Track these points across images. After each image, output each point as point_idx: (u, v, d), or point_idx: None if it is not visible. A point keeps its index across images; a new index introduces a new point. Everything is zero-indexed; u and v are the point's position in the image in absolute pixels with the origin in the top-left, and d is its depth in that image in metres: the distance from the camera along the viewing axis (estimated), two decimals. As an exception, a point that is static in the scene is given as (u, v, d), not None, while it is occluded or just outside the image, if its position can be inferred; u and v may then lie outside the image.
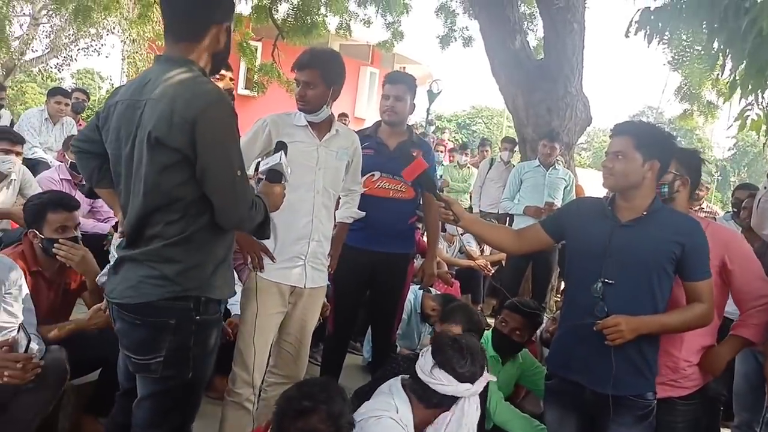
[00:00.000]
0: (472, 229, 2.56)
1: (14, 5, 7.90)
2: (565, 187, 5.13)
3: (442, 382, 2.13)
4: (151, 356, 1.70)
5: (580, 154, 29.25)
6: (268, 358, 2.53)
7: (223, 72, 2.23)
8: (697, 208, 5.55)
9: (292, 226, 2.40)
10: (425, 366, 2.16)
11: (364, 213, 2.80)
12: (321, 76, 2.40)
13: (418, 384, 2.17)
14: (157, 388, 1.76)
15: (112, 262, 1.92)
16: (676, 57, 4.48)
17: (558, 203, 4.93)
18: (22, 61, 14.91)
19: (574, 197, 4.82)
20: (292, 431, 1.78)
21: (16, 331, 2.17)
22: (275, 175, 1.99)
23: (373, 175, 2.92)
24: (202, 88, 1.62)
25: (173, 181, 1.61)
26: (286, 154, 2.06)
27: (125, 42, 13.48)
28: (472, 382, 2.17)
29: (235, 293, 1.94)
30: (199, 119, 1.56)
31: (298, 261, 2.44)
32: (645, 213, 2.14)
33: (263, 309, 2.38)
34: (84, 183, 1.99)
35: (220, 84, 2.23)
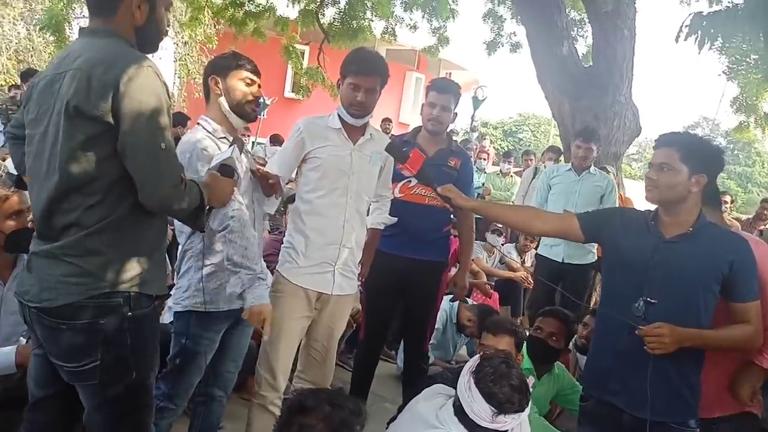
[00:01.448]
0: (484, 214, 2.50)
1: (74, 7, 8.18)
2: (601, 196, 4.33)
3: (509, 423, 1.95)
4: (85, 362, 1.53)
5: (630, 165, 28.48)
6: (295, 363, 2.52)
7: (251, 77, 2.17)
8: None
9: (323, 231, 2.38)
10: (484, 414, 1.93)
11: (395, 219, 2.77)
12: (380, 83, 2.41)
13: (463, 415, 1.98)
14: (102, 396, 1.59)
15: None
16: (731, 66, 4.30)
17: None
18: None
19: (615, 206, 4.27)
20: (294, 426, 1.72)
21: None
22: (226, 170, 1.87)
23: (410, 181, 2.88)
24: (125, 52, 1.50)
25: (93, 156, 1.47)
26: (241, 151, 2.02)
27: (177, 44, 13.84)
28: (528, 404, 2.01)
29: (168, 290, 1.83)
30: (121, 83, 1.44)
31: (327, 267, 2.42)
32: (690, 229, 2.04)
33: (289, 313, 2.38)
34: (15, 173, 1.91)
35: (249, 89, 2.17)
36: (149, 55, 1.62)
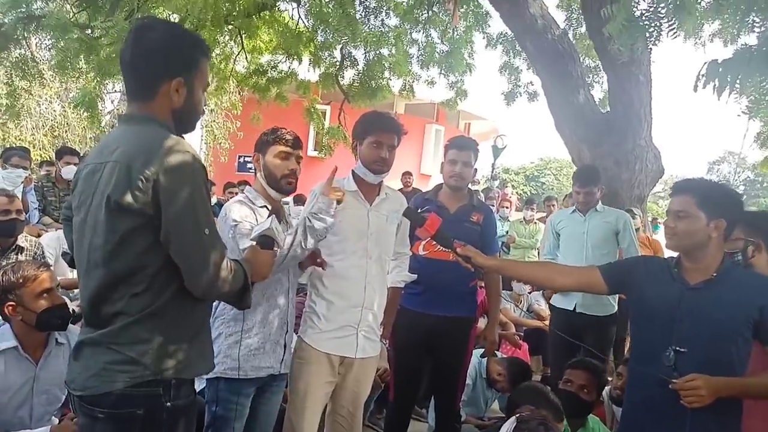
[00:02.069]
0: (506, 273, 2.50)
1: (106, 83, 8.60)
2: (616, 233, 3.99)
3: None
4: None
5: (657, 203, 28.09)
6: (320, 430, 2.51)
7: (287, 150, 2.29)
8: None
9: (345, 294, 2.41)
10: None
11: (415, 276, 2.78)
12: (398, 141, 2.52)
13: None
14: None
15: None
16: (750, 105, 4.30)
17: (609, 254, 3.88)
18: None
19: (634, 243, 3.95)
20: None
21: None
22: (267, 241, 1.86)
23: (433, 239, 2.90)
24: (163, 143, 1.48)
25: (136, 248, 1.47)
26: (280, 221, 2.06)
27: (203, 112, 14.38)
28: None
29: (214, 367, 1.77)
30: (161, 176, 1.44)
31: (350, 330, 2.44)
32: (715, 275, 2.01)
33: (314, 380, 2.38)
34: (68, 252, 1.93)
35: (284, 163, 2.27)
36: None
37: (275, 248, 1.89)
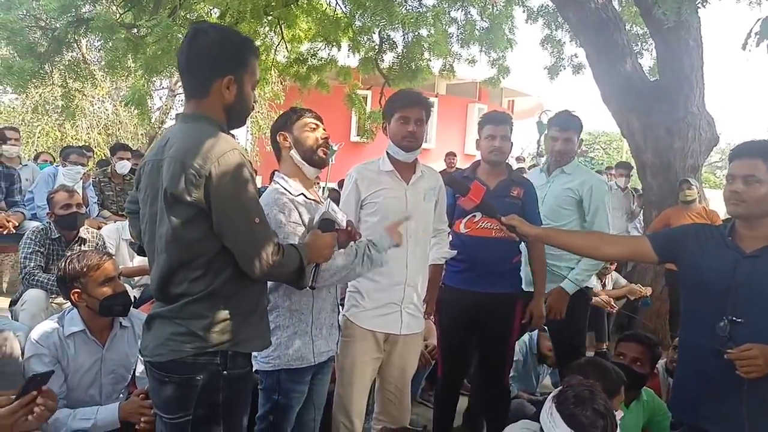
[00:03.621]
0: (551, 242, 2.47)
1: (154, 80, 8.86)
2: (578, 201, 3.23)
3: None
4: (179, 415, 1.67)
5: (714, 174, 26.95)
6: (370, 405, 2.56)
7: (315, 122, 2.26)
8: None
9: (387, 273, 2.43)
10: (554, 429, 1.89)
11: (455, 252, 2.79)
12: (426, 115, 2.52)
13: None
14: None
15: None
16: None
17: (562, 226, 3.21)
18: (162, 129, 16.70)
19: (601, 217, 3.23)
20: None
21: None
22: (328, 224, 1.95)
23: (475, 216, 2.89)
24: (213, 141, 1.61)
25: (193, 237, 1.61)
26: (337, 202, 2.07)
27: (253, 107, 14.68)
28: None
29: (270, 345, 1.90)
30: (212, 173, 1.57)
31: (394, 307, 2.47)
32: None
33: (360, 356, 2.43)
34: (137, 242, 2.07)
35: (315, 134, 2.24)
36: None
37: (336, 228, 1.97)
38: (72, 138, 13.81)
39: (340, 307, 2.47)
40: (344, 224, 2.13)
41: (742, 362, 1.85)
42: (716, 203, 5.78)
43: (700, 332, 2.03)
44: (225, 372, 1.67)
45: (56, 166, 5.82)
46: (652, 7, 4.73)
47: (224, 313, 1.66)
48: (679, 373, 2.20)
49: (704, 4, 3.44)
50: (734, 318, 1.93)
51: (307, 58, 8.93)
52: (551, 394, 2.00)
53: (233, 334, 1.68)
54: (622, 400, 2.40)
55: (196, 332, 1.63)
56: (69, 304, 2.50)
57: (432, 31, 8.23)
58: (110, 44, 6.74)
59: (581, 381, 2.04)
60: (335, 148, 10.97)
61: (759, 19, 3.02)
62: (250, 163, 1.70)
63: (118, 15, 7.32)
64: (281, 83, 11.75)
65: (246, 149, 14.40)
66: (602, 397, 1.94)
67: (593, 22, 5.78)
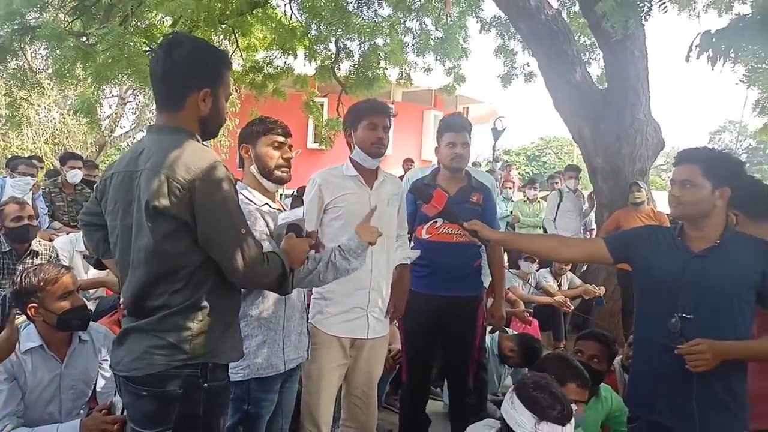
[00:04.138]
0: (511, 246, 2.55)
1: (104, 89, 8.64)
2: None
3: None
4: (159, 429, 1.64)
5: (660, 176, 28.01)
6: (336, 411, 2.57)
7: (280, 140, 2.24)
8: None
9: (351, 278, 2.42)
10: (527, 424, 1.95)
11: (419, 252, 2.83)
12: (390, 123, 2.58)
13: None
14: None
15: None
16: (747, 74, 4.31)
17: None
18: (112, 137, 16.29)
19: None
20: None
21: (112, 395, 2.34)
22: (297, 229, 1.95)
23: (436, 222, 2.95)
24: (195, 154, 1.61)
25: (176, 249, 1.60)
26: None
27: (225, 119, 14.52)
28: (571, 419, 1.99)
29: (243, 356, 1.88)
30: (195, 186, 1.56)
31: (360, 312, 2.50)
32: (718, 242, 2.06)
33: (326, 363, 2.45)
34: (92, 255, 2.03)
35: (277, 153, 2.24)
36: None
37: (304, 236, 1.96)
38: (17, 147, 13.30)
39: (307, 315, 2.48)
40: (302, 215, 2.13)
41: (691, 357, 1.95)
42: (663, 204, 6.02)
43: (653, 329, 2.12)
44: (205, 384, 1.66)
45: (3, 177, 5.62)
46: (600, 20, 4.91)
47: (205, 325, 1.65)
48: (634, 369, 2.29)
49: (647, 17, 3.59)
50: (684, 315, 2.03)
51: (263, 67, 8.89)
52: (511, 387, 2.09)
53: (213, 346, 1.67)
54: (585, 396, 2.49)
55: (177, 344, 1.62)
56: (24, 318, 2.42)
57: (388, 41, 8.34)
58: (58, 52, 6.53)
59: (532, 376, 2.15)
60: (292, 155, 10.90)
61: (698, 34, 3.18)
62: (231, 174, 1.69)
63: (66, 23, 7.12)
64: (236, 91, 11.63)
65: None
66: (558, 387, 2.05)
67: (544, 33, 5.97)
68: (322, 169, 2.65)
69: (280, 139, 2.24)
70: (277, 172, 2.23)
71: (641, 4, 3.56)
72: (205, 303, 1.65)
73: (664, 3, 3.53)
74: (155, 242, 1.58)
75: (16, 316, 2.21)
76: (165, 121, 1.71)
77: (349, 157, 2.62)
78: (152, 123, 1.83)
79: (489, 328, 3.38)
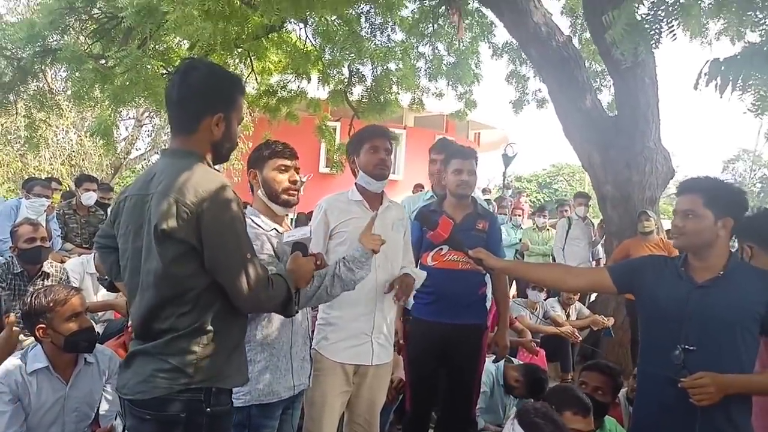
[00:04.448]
0: (516, 274, 2.54)
1: (121, 111, 8.81)
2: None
3: None
4: None
5: (672, 205, 27.78)
6: None
7: (286, 163, 2.26)
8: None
9: (355, 303, 2.46)
10: None
11: (425, 273, 2.77)
12: (391, 145, 2.61)
13: None
14: None
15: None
16: (755, 102, 4.31)
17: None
18: (127, 159, 16.50)
19: None
20: None
21: (114, 418, 2.34)
22: (302, 248, 1.95)
23: (441, 249, 2.95)
24: (204, 178, 1.63)
25: (183, 272, 1.61)
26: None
27: (237, 143, 14.71)
28: None
29: (248, 380, 1.86)
30: (203, 211, 1.58)
31: (364, 338, 2.50)
32: (722, 272, 2.05)
33: (329, 390, 2.43)
34: (106, 278, 2.04)
35: (283, 176, 2.25)
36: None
37: (309, 254, 1.98)
38: (35, 169, 13.54)
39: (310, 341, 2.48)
40: (309, 235, 2.12)
41: (694, 390, 1.93)
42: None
43: (656, 361, 2.11)
44: (208, 409, 1.65)
45: (19, 198, 5.71)
46: (610, 48, 4.94)
47: (210, 349, 1.65)
48: (639, 400, 2.27)
49: (657, 45, 3.62)
50: (687, 346, 2.01)
51: (277, 90, 9.01)
52: (512, 415, 2.10)
53: (218, 370, 1.67)
54: (587, 425, 2.46)
55: (181, 368, 1.61)
56: (32, 340, 2.45)
57: (400, 65, 8.44)
58: (78, 74, 6.70)
59: (532, 405, 2.17)
60: (304, 179, 10.96)
61: (707, 61, 3.19)
62: (239, 199, 1.71)
63: (86, 46, 7.30)
64: (250, 114, 11.79)
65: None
66: (560, 417, 2.08)
67: (555, 60, 6.01)
68: (328, 195, 2.68)
69: (287, 162, 2.26)
70: (284, 196, 2.25)
71: (651, 31, 3.59)
72: (210, 327, 1.65)
73: (674, 30, 3.55)
74: (164, 266, 1.60)
75: (18, 327, 2.23)
76: (178, 145, 1.73)
77: (355, 183, 2.65)
78: (167, 146, 1.86)
79: (493, 357, 3.35)
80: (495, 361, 3.50)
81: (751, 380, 1.98)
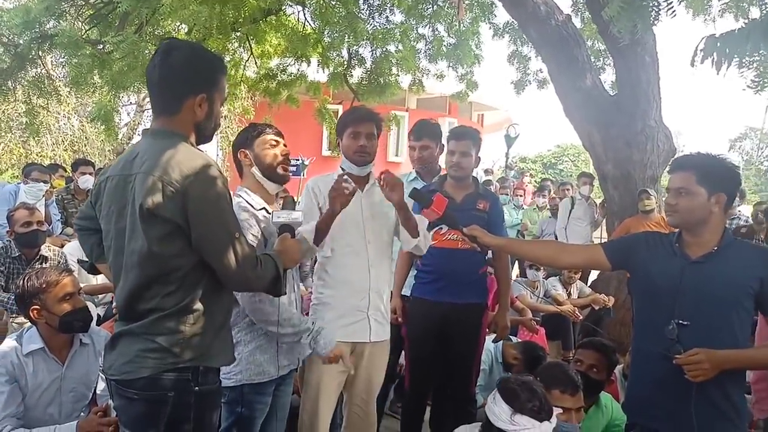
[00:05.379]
0: (512, 252, 2.54)
1: (121, 96, 8.78)
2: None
3: (527, 427, 2.03)
4: None
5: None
6: (338, 419, 2.57)
7: (275, 138, 2.31)
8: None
9: (349, 280, 2.47)
10: (503, 415, 2.06)
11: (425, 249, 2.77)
12: (376, 129, 2.56)
13: None
14: None
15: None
16: (755, 79, 4.25)
17: None
18: (129, 145, 16.51)
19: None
20: None
21: (110, 397, 2.36)
22: (288, 230, 1.97)
23: (441, 228, 2.94)
24: (188, 157, 1.63)
25: (169, 252, 1.61)
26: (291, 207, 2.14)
27: (220, 124, 14.65)
28: (550, 418, 2.07)
29: (234, 360, 1.89)
30: (189, 189, 1.58)
31: (360, 315, 2.50)
32: (716, 248, 2.04)
33: (326, 371, 2.43)
34: (86, 260, 2.06)
35: (275, 151, 2.29)
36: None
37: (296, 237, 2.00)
38: (37, 155, 13.55)
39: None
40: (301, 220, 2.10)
41: (690, 366, 1.93)
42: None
43: (651, 337, 2.11)
44: (197, 388, 1.66)
45: (18, 183, 5.73)
46: (608, 26, 4.89)
47: (197, 328, 1.66)
48: (633, 375, 2.28)
49: (654, 22, 3.56)
50: (681, 321, 2.02)
51: (277, 74, 8.95)
52: (496, 402, 2.13)
53: (205, 349, 1.68)
54: (575, 403, 2.47)
55: (168, 348, 1.62)
56: (29, 323, 2.47)
57: (400, 47, 8.36)
58: (75, 60, 6.65)
59: (515, 378, 2.23)
60: (306, 162, 10.99)
61: (703, 38, 3.15)
62: (225, 177, 1.71)
63: (83, 31, 7.25)
64: (251, 98, 11.75)
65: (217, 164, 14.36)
66: (541, 388, 2.12)
67: (554, 39, 5.94)
68: (315, 176, 2.68)
69: (275, 137, 2.30)
70: (279, 170, 2.29)
71: (648, 8, 3.54)
72: (197, 306, 1.66)
73: (672, 7, 3.49)
74: (149, 245, 1.59)
75: (13, 316, 2.24)
76: (161, 125, 1.73)
77: (341, 166, 2.64)
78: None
79: (493, 337, 3.36)
80: (495, 341, 3.51)
81: (745, 355, 1.99)
